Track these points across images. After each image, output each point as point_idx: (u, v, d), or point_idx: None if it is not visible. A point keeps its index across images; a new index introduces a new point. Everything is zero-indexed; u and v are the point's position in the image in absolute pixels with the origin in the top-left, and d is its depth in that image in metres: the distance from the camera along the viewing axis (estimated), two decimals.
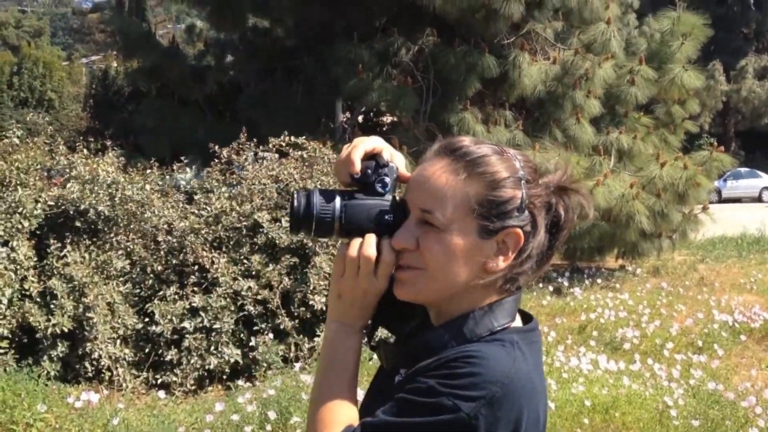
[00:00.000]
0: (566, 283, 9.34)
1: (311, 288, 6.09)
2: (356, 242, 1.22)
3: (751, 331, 7.52)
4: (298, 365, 5.41)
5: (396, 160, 1.28)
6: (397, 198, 1.26)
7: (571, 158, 8.96)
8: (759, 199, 29.85)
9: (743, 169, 28.79)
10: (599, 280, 9.79)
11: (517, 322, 1.24)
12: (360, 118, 11.49)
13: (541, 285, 9.30)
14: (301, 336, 5.99)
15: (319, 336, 6.10)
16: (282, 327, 5.93)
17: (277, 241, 6.26)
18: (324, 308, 6.09)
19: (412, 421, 1.10)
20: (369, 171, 1.24)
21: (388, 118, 13.65)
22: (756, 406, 4.84)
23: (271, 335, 5.88)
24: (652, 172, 9.71)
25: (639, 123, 10.68)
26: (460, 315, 1.22)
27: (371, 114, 13.29)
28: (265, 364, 5.69)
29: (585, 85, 9.73)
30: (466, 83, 9.05)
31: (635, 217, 9.17)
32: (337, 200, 1.23)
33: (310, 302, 6.05)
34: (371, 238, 1.22)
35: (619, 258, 11.07)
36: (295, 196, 1.24)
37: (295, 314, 6.08)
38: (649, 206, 9.35)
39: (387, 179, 1.25)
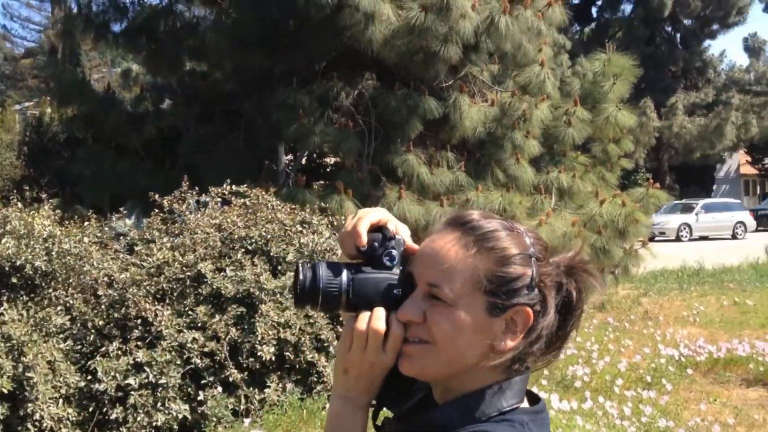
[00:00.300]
0: None
1: (259, 338, 5.97)
2: (365, 316, 1.20)
3: (697, 365, 7.64)
4: (248, 420, 5.27)
5: (401, 232, 1.26)
6: (404, 270, 1.24)
7: (514, 198, 9.08)
8: (734, 237, 29.74)
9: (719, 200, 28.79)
10: None
11: (524, 403, 1.21)
12: (303, 161, 11.44)
13: None
14: (251, 388, 5.86)
15: (269, 387, 5.99)
16: (231, 379, 5.80)
17: (223, 291, 6.14)
18: (273, 358, 5.99)
19: None
20: (376, 244, 1.23)
21: (331, 160, 13.66)
22: None
23: (219, 388, 5.73)
24: (593, 209, 9.90)
25: (577, 162, 10.91)
26: (468, 393, 1.19)
27: (314, 156, 13.29)
28: (214, 419, 5.54)
29: (523, 126, 9.89)
30: (408, 125, 9.11)
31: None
32: (344, 273, 1.21)
33: (259, 353, 5.92)
34: (380, 312, 1.20)
35: None
36: (300, 268, 1.21)
37: (244, 365, 5.95)
38: (591, 243, 9.51)
39: (394, 252, 1.23)
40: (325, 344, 6.38)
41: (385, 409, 1.29)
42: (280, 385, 6.08)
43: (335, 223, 7.53)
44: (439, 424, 1.17)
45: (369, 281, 1.21)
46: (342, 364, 1.23)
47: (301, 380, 6.27)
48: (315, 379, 6.28)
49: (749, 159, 48.49)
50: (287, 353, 6.16)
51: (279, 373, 6.19)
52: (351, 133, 8.90)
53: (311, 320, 6.35)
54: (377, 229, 1.24)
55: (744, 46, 41.95)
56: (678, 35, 37.18)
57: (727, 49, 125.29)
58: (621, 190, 11.40)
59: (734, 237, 28.98)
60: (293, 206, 7.31)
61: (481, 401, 1.17)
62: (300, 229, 7.04)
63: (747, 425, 5.97)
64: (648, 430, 5.38)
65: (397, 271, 1.23)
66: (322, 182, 11.81)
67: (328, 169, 13.54)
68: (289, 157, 14.03)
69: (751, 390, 7.01)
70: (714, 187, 46.01)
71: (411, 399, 1.28)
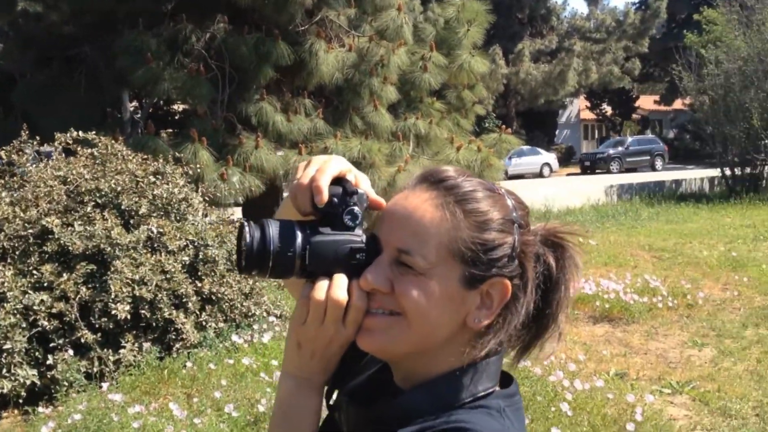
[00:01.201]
0: None
1: (113, 296, 5.66)
2: (323, 284, 1.03)
3: None
4: (105, 385, 4.99)
5: (362, 184, 1.08)
6: (367, 232, 1.07)
7: (373, 146, 9.03)
8: (540, 175, 32.03)
9: (525, 147, 30.65)
10: None
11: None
12: (150, 109, 10.89)
13: None
14: (105, 349, 5.56)
15: (124, 347, 5.70)
16: (83, 341, 5.47)
17: (71, 248, 5.76)
18: (128, 317, 5.71)
19: None
20: (335, 199, 1.04)
21: (180, 107, 13.10)
22: (563, 380, 5.07)
23: (70, 351, 5.40)
24: (449, 155, 10.01)
25: (433, 108, 10.98)
26: (437, 376, 1.04)
27: (161, 104, 12.69)
28: (66, 383, 5.22)
29: (381, 72, 9.80)
30: (260, 72, 8.82)
31: None
32: (299, 234, 1.03)
33: (113, 312, 5.62)
34: (341, 280, 1.03)
35: None
36: (246, 228, 1.02)
37: (97, 326, 5.63)
38: None
39: (357, 210, 1.06)
40: (184, 300, 6.14)
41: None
42: (136, 345, 5.81)
43: (190, 172, 7.23)
44: (406, 410, 1.02)
45: (328, 244, 1.04)
46: (295, 339, 1.06)
47: (159, 338, 6.03)
48: (173, 337, 6.04)
49: (588, 104, 50.89)
50: (143, 311, 5.89)
51: (135, 332, 5.91)
52: (203, 79, 8.52)
53: (168, 276, 6.09)
54: (336, 181, 1.05)
55: None
56: None
57: None
58: (475, 136, 11.59)
59: (540, 175, 31.36)
60: (144, 156, 6.93)
61: (453, 385, 1.03)
62: (153, 180, 6.69)
63: (596, 360, 6.26)
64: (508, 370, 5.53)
65: (359, 232, 1.06)
66: (170, 131, 11.36)
67: (176, 117, 13.02)
68: (134, 104, 13.35)
69: (598, 326, 7.36)
70: (557, 132, 48.05)
71: (359, 375, 1.15)
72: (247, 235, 1.01)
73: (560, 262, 1.09)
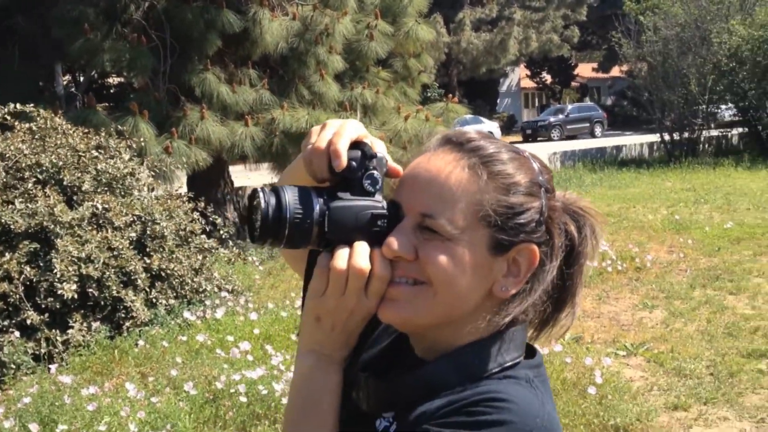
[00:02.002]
0: None
1: (58, 275, 5.48)
2: (343, 252, 0.95)
3: None
4: (54, 367, 4.83)
5: (378, 148, 1.00)
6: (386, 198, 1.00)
7: (321, 116, 8.89)
8: None
9: (468, 116, 30.68)
10: None
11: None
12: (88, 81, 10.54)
13: None
14: (53, 330, 5.39)
15: (72, 327, 5.53)
16: (29, 322, 5.30)
17: (12, 226, 5.55)
18: (75, 296, 5.53)
19: None
20: (354, 164, 0.97)
21: (115, 80, 12.71)
22: None
23: (17, 333, 5.22)
24: (397, 125, 9.93)
25: (379, 77, 10.84)
26: (463, 346, 0.98)
27: (95, 77, 12.29)
28: (13, 366, 5.04)
29: (326, 41, 9.63)
30: (206, 41, 8.57)
31: None
32: (317, 200, 0.96)
33: (59, 291, 5.44)
34: (363, 247, 0.96)
35: None
36: (261, 195, 0.94)
37: (43, 306, 5.45)
38: (397, 159, 9.51)
39: (376, 174, 0.99)
40: (133, 277, 5.98)
41: None
42: (85, 325, 5.64)
43: (133, 146, 7.02)
44: (431, 382, 0.97)
45: (348, 210, 0.97)
46: (314, 312, 0.99)
47: (108, 317, 5.86)
48: (123, 316, 5.89)
49: (528, 73, 51.25)
50: (90, 290, 5.72)
51: (82, 311, 5.74)
52: (144, 50, 8.24)
53: (115, 253, 5.91)
54: (353, 145, 0.98)
55: None
56: None
57: None
58: (421, 105, 11.52)
59: None
60: (86, 130, 6.69)
61: (480, 355, 0.98)
62: (96, 154, 6.47)
63: None
64: None
65: (379, 197, 0.99)
66: (106, 104, 11.01)
67: (111, 90, 12.67)
68: (68, 78, 12.90)
69: None
70: (498, 100, 48.31)
71: (370, 349, 1.09)
72: (262, 202, 0.94)
73: (582, 233, 1.05)
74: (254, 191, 0.96)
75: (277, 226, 0.94)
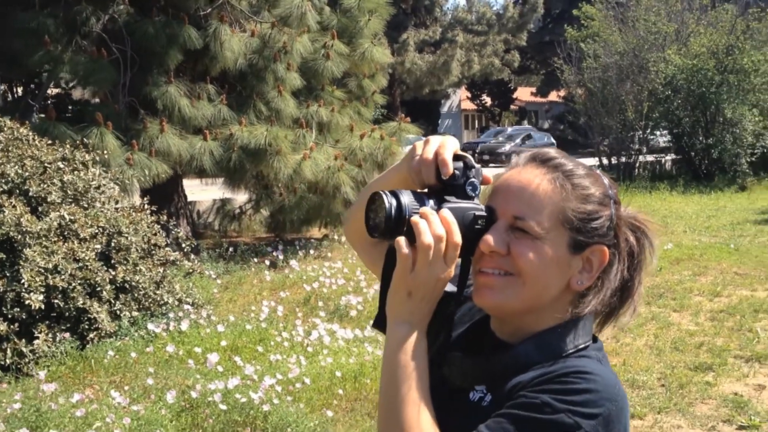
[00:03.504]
0: (281, 257, 9.42)
1: (25, 285, 5.48)
2: (425, 227, 1.10)
3: None
4: (43, 373, 4.82)
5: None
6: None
7: (279, 133, 9.01)
8: None
9: (411, 136, 31.03)
10: (311, 251, 10.01)
11: None
12: (47, 92, 10.44)
13: (256, 260, 9.30)
14: (21, 340, 5.37)
15: (38, 338, 5.53)
16: None
17: None
18: (42, 306, 5.52)
19: None
20: (457, 172, 1.16)
21: (75, 93, 12.58)
22: None
23: None
24: (353, 143, 10.11)
25: (334, 96, 11.02)
26: (544, 330, 1.18)
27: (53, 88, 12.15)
28: None
29: (284, 58, 9.77)
30: (167, 55, 8.62)
31: (341, 188, 9.51)
32: (428, 202, 1.13)
33: (26, 301, 5.44)
34: (436, 217, 1.11)
35: (321, 228, 11.40)
36: (384, 197, 1.11)
37: (9, 316, 5.43)
38: (353, 177, 9.73)
39: (476, 182, 1.18)
40: (98, 289, 6.00)
41: None
42: (50, 335, 5.64)
43: (97, 158, 7.02)
44: (520, 360, 1.16)
45: (457, 210, 1.15)
46: (405, 289, 1.14)
47: (72, 328, 5.87)
48: (87, 327, 5.89)
49: (469, 95, 52.10)
50: (56, 301, 5.72)
51: (47, 322, 5.74)
52: (105, 63, 8.25)
53: (81, 264, 5.93)
54: (455, 157, 1.17)
55: None
56: None
57: None
58: (375, 124, 11.73)
59: None
60: (50, 142, 6.70)
61: (559, 338, 1.18)
62: (61, 166, 6.48)
63: None
64: None
65: (478, 201, 1.19)
66: (64, 116, 10.90)
67: (68, 103, 12.54)
68: (17, 89, 12.70)
69: None
70: (439, 121, 48.95)
71: (450, 333, 1.28)
72: (386, 203, 1.11)
73: (640, 242, 1.25)
74: (376, 194, 1.13)
75: (398, 224, 1.12)
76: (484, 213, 1.18)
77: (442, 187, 1.17)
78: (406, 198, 1.13)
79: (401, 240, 1.12)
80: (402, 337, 1.15)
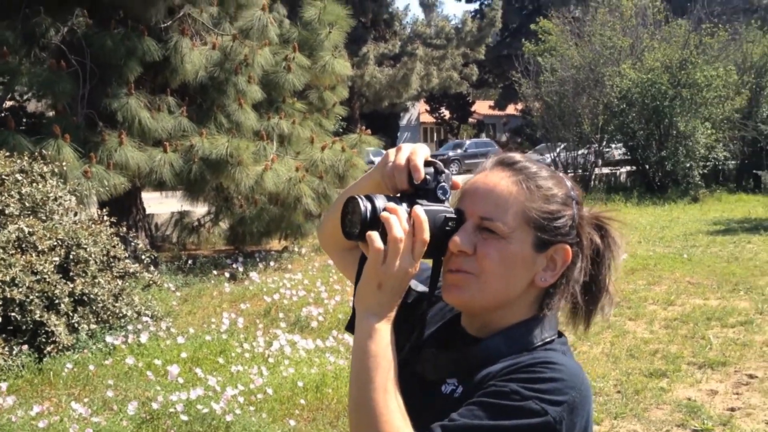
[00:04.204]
0: (240, 269, 9.41)
1: None
2: (396, 222, 1.16)
3: None
4: (5, 384, 4.77)
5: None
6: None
7: (240, 144, 9.02)
8: None
9: (371, 149, 31.11)
10: (271, 263, 10.02)
11: None
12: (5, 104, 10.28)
13: (216, 272, 9.27)
14: None
15: None
16: None
17: None
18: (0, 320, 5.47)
19: (500, 423, 1.10)
20: (428, 177, 1.22)
21: (30, 104, 12.41)
22: None
23: None
24: (315, 155, 10.15)
25: (295, 108, 11.06)
26: (512, 325, 1.25)
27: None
28: None
29: (245, 71, 9.79)
30: (126, 67, 8.58)
31: (302, 199, 9.54)
32: (403, 205, 1.19)
33: None
34: (403, 214, 1.18)
35: (281, 239, 11.40)
36: (359, 200, 1.17)
37: None
38: (314, 188, 9.77)
39: (446, 186, 1.24)
40: (56, 302, 5.94)
41: None
42: (6, 349, 5.58)
43: (55, 170, 6.97)
44: (489, 353, 1.23)
45: (428, 213, 1.20)
46: (375, 280, 1.18)
47: (29, 341, 5.81)
48: (44, 340, 5.84)
49: (428, 108, 52.46)
50: (13, 314, 5.66)
51: (4, 335, 5.68)
52: (64, 74, 8.19)
53: (39, 277, 5.87)
54: (426, 163, 1.24)
55: (419, 1, 44.67)
56: None
57: (410, 3, 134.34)
58: (335, 136, 11.78)
59: None
60: (7, 153, 6.63)
61: (526, 333, 1.25)
62: (19, 178, 6.42)
63: None
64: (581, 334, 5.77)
65: (448, 204, 1.26)
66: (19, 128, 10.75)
67: (21, 114, 12.36)
68: None
69: None
70: (398, 134, 49.19)
71: (422, 331, 1.35)
72: (362, 206, 1.18)
73: (605, 241, 1.33)
74: (352, 198, 1.20)
75: (373, 225, 1.18)
76: (454, 215, 1.25)
77: (414, 191, 1.23)
78: (380, 201, 1.19)
79: (374, 234, 1.17)
80: (371, 327, 1.19)
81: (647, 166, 21.56)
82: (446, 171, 1.26)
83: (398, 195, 1.24)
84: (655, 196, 20.12)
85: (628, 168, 24.10)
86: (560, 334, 1.32)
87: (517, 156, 1.32)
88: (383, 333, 1.19)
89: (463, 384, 1.24)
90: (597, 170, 22.99)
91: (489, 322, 1.28)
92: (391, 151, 1.27)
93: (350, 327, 1.31)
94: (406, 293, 1.23)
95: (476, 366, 1.22)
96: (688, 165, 20.37)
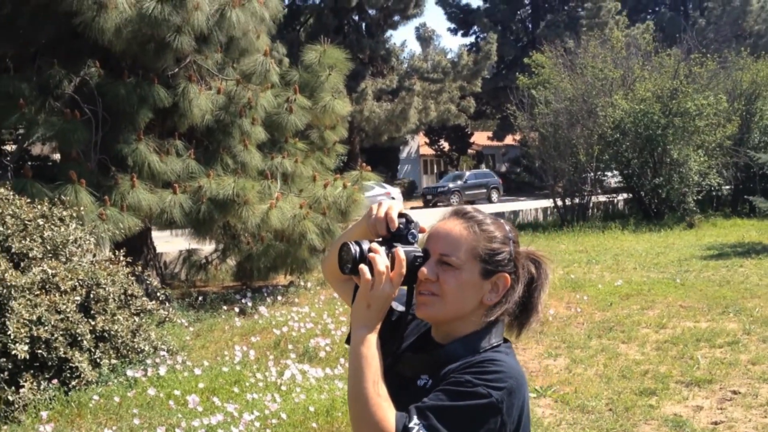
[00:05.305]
0: (249, 304, 9.78)
1: (12, 337, 5.79)
2: (382, 261, 1.61)
3: None
4: (45, 413, 5.12)
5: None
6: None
7: (246, 184, 9.44)
8: None
9: (371, 183, 31.58)
10: (279, 297, 10.38)
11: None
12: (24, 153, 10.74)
13: (225, 307, 9.63)
14: (11, 388, 5.67)
15: (23, 387, 5.83)
16: None
17: None
18: (27, 357, 5.83)
19: (456, 404, 1.53)
20: (401, 226, 1.68)
21: (41, 151, 12.84)
22: None
23: None
24: (317, 193, 10.57)
25: (297, 148, 11.50)
26: (468, 334, 1.69)
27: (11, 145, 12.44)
28: None
29: (249, 113, 10.25)
30: (138, 114, 9.04)
31: (307, 235, 9.94)
32: (383, 249, 1.64)
33: (13, 351, 5.75)
34: (383, 255, 1.62)
35: (287, 274, 11.78)
36: (351, 245, 1.62)
37: None
38: (318, 224, 10.17)
39: (415, 232, 1.70)
40: (79, 339, 6.31)
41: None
42: (34, 384, 5.94)
43: (74, 214, 7.37)
44: (451, 355, 1.67)
45: (404, 253, 1.66)
46: (365, 302, 1.62)
47: (55, 376, 6.17)
48: (69, 375, 6.20)
49: (427, 141, 53.08)
50: (40, 351, 6.03)
51: (32, 371, 6.04)
52: (79, 123, 8.64)
53: (62, 315, 6.25)
54: (400, 215, 1.70)
55: (416, 35, 45.49)
56: (364, 25, 39.54)
57: (407, 39, 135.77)
58: (336, 172, 12.19)
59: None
60: (29, 200, 7.05)
61: (478, 339, 1.70)
62: (41, 222, 6.83)
63: None
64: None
65: (417, 245, 1.71)
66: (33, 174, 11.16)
67: (37, 161, 12.81)
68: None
69: None
70: (398, 167, 49.72)
71: (403, 342, 1.82)
72: (353, 250, 1.63)
73: (538, 271, 1.79)
74: (345, 243, 1.66)
75: (361, 262, 1.63)
76: (421, 254, 1.70)
77: (390, 236, 1.70)
78: (366, 245, 1.65)
79: (365, 268, 1.63)
80: (363, 337, 1.63)
81: (643, 194, 21.94)
82: (414, 220, 1.71)
83: (379, 239, 1.69)
84: (651, 222, 20.49)
85: (626, 195, 24.49)
86: (506, 340, 1.76)
87: (468, 208, 1.77)
88: (372, 341, 1.64)
89: (432, 378, 1.67)
90: (594, 198, 23.37)
91: (450, 332, 1.71)
92: (374, 206, 1.75)
93: (348, 340, 1.74)
94: (390, 312, 1.71)
95: (441, 365, 1.65)
96: (682, 191, 20.73)
